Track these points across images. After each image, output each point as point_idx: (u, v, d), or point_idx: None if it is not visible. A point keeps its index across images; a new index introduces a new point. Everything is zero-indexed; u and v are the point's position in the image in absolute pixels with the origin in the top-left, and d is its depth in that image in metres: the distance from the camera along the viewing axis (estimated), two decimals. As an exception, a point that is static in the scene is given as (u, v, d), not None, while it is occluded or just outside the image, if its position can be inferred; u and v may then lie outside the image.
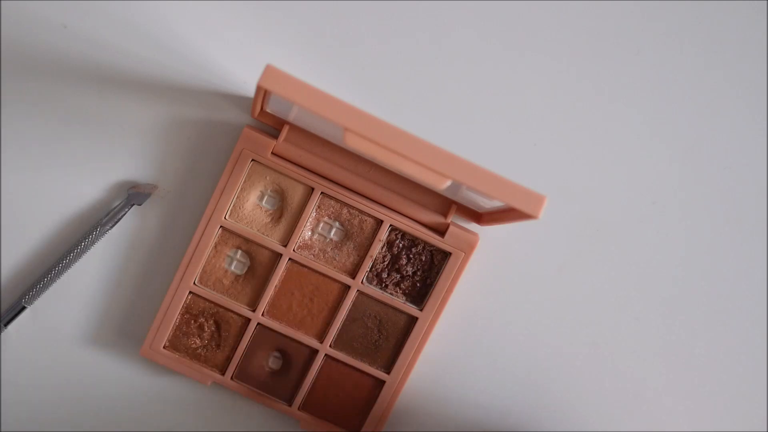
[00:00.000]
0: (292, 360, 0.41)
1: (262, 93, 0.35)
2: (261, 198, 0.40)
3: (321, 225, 0.40)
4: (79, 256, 0.40)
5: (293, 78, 0.31)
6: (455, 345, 0.42)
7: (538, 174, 0.41)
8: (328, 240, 0.40)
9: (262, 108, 0.39)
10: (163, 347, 0.41)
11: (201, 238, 0.40)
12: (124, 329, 0.42)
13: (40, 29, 0.39)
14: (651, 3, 0.39)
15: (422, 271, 0.41)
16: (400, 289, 0.41)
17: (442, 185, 0.32)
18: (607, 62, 0.40)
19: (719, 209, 0.41)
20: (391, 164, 0.32)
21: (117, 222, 0.39)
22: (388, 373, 0.41)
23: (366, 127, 0.31)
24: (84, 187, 0.40)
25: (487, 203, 0.38)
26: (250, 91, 0.40)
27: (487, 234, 0.41)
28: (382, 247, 0.40)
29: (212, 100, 0.40)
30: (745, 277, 0.42)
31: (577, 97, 0.40)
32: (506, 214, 0.37)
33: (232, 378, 0.41)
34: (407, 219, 0.40)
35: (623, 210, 0.41)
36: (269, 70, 0.31)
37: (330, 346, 0.41)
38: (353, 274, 0.40)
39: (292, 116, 0.38)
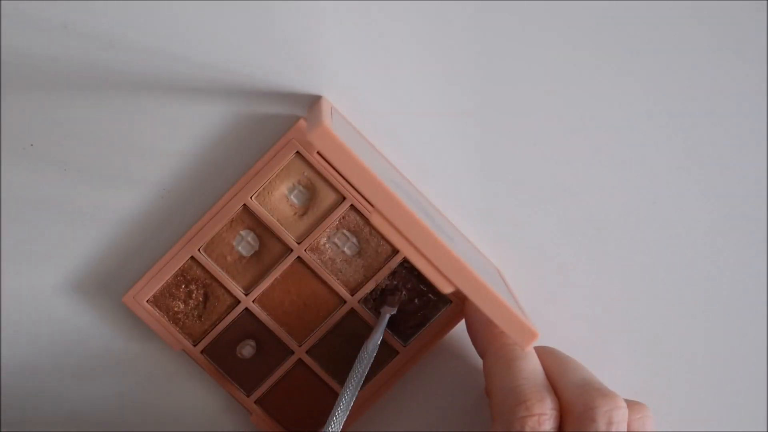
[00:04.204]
0: (266, 353, 0.41)
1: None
2: (291, 191, 0.40)
3: (338, 235, 0.40)
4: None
5: (342, 144, 0.31)
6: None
7: (538, 174, 0.41)
8: (340, 251, 0.40)
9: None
10: (147, 301, 0.40)
11: (221, 209, 0.39)
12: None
13: (40, 29, 0.38)
14: (651, 3, 0.40)
15: (422, 309, 0.41)
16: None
17: (447, 290, 0.32)
18: (607, 62, 0.40)
19: (720, 209, 0.41)
20: (404, 252, 0.32)
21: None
22: (353, 395, 0.41)
23: (392, 212, 0.31)
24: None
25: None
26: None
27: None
28: (389, 276, 0.40)
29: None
30: (746, 276, 0.42)
31: (577, 96, 0.40)
32: None
33: (201, 352, 0.41)
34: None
35: (623, 210, 0.41)
36: (321, 130, 0.31)
37: (306, 352, 0.41)
38: (353, 292, 0.40)
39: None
